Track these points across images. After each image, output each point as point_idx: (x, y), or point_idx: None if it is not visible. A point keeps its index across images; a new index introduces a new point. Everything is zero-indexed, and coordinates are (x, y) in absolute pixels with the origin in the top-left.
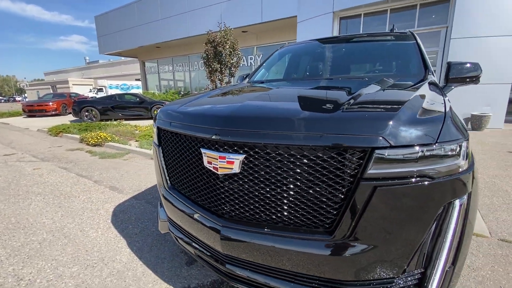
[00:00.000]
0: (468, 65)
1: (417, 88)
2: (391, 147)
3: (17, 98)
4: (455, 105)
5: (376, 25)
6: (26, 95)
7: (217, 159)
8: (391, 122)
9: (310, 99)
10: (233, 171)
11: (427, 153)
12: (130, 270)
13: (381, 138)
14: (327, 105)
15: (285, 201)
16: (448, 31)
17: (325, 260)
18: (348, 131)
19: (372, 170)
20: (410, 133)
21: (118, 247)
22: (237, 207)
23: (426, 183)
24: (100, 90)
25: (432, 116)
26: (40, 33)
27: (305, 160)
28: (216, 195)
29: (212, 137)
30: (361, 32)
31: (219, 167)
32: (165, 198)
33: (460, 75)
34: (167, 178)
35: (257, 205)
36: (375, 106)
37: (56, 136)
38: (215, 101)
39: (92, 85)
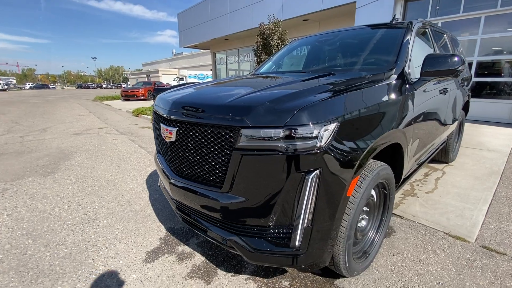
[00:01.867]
0: (445, 57)
1: (342, 83)
2: (251, 127)
3: (123, 85)
4: None
5: (448, 6)
6: (129, 82)
7: (166, 131)
8: (251, 109)
9: (235, 88)
10: (172, 139)
11: (277, 133)
12: (142, 211)
13: (244, 120)
14: (234, 94)
15: (199, 162)
16: None
17: (219, 206)
18: (229, 115)
19: (240, 143)
20: (264, 117)
21: (142, 196)
22: (177, 164)
23: (276, 155)
24: (181, 79)
25: (288, 105)
26: (142, 29)
27: (208, 134)
28: (168, 156)
29: (164, 115)
30: (428, 16)
31: (166, 136)
32: (155, 160)
33: (435, 68)
34: (155, 145)
35: (185, 163)
36: (256, 96)
37: (137, 116)
38: (188, 90)
39: (176, 74)
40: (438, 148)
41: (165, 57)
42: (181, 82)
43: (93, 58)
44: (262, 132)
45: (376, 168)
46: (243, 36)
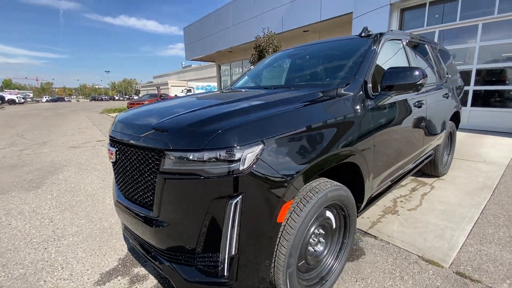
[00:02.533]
0: (405, 71)
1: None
2: (173, 150)
3: (134, 97)
4: None
5: (445, 13)
6: (140, 94)
7: (108, 151)
8: (173, 131)
9: (179, 107)
10: (113, 160)
11: (197, 156)
12: (110, 229)
13: (166, 142)
14: (169, 114)
15: (134, 184)
16: None
17: (151, 230)
18: (154, 137)
19: (165, 166)
20: (186, 140)
21: (115, 213)
22: (120, 184)
23: (198, 180)
24: (189, 90)
25: (210, 126)
26: (155, 43)
27: (138, 156)
28: (115, 175)
29: (109, 135)
30: (425, 25)
31: (109, 156)
32: None
33: (395, 82)
34: None
35: (125, 184)
36: (183, 118)
37: None
38: (140, 108)
39: (185, 86)
40: (419, 163)
41: (175, 69)
42: (188, 94)
43: (106, 71)
44: (183, 155)
45: (324, 190)
46: (246, 48)
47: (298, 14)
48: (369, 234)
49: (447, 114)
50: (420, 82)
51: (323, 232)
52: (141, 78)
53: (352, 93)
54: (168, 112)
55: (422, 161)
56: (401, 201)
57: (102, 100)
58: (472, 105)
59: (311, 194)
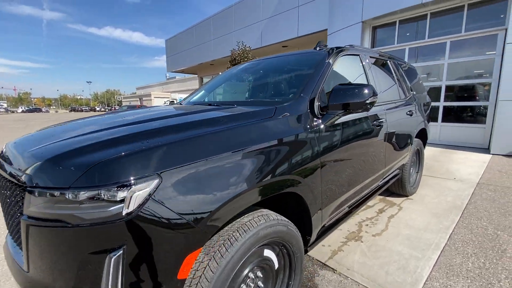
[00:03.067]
0: (353, 88)
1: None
2: (36, 187)
3: (116, 107)
4: None
5: (414, 32)
6: (123, 105)
7: None
8: (37, 164)
9: (74, 131)
10: None
11: (63, 197)
12: None
13: (30, 178)
14: (50, 141)
15: (10, 226)
16: (508, 34)
17: (21, 285)
18: (21, 169)
19: (29, 208)
20: (51, 176)
21: None
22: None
23: (67, 228)
24: (172, 102)
25: (79, 158)
26: (140, 55)
27: (9, 191)
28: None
29: None
30: (395, 42)
31: None
32: None
33: (342, 100)
34: None
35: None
36: (53, 147)
37: None
38: (42, 131)
39: (168, 98)
40: (383, 184)
41: (159, 81)
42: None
43: (88, 82)
44: (47, 195)
45: (256, 227)
46: (227, 61)
47: (276, 29)
48: (327, 266)
49: (412, 131)
50: (370, 100)
51: (262, 276)
52: (124, 89)
53: (294, 112)
54: (50, 137)
55: (388, 181)
56: (367, 225)
57: (82, 111)
58: (443, 120)
59: (237, 234)
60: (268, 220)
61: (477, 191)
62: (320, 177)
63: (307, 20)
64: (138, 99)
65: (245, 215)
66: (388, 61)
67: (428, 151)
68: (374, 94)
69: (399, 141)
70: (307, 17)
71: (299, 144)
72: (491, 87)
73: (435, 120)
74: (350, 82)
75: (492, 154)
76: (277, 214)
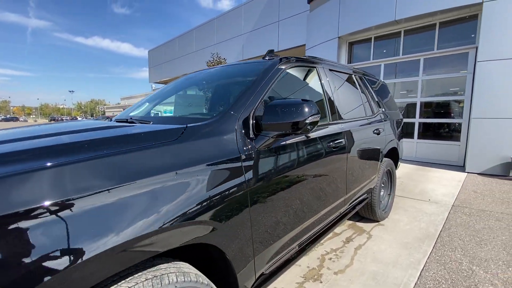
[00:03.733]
0: (289, 105)
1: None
2: None
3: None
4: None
5: (389, 49)
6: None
7: None
8: None
9: None
10: None
11: None
12: None
13: None
14: None
15: None
16: (479, 52)
17: None
18: None
19: None
20: None
21: None
22: None
23: None
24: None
25: None
26: (128, 65)
27: None
28: None
29: None
30: (371, 58)
31: None
32: None
33: (276, 120)
34: None
35: None
36: None
37: None
38: None
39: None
40: (347, 211)
41: (145, 91)
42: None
43: (70, 91)
44: None
45: None
46: None
47: (257, 43)
48: None
49: (380, 152)
50: (311, 120)
51: None
52: (110, 100)
53: (214, 134)
54: None
55: (354, 207)
56: (330, 259)
57: (62, 120)
58: (419, 137)
59: None
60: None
61: (452, 216)
62: (250, 217)
63: (287, 34)
64: (122, 109)
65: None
66: (354, 76)
67: (404, 168)
68: (315, 112)
69: (364, 163)
70: (287, 32)
71: (216, 175)
72: (464, 105)
73: (411, 136)
74: (306, 97)
75: (467, 172)
76: (192, 268)
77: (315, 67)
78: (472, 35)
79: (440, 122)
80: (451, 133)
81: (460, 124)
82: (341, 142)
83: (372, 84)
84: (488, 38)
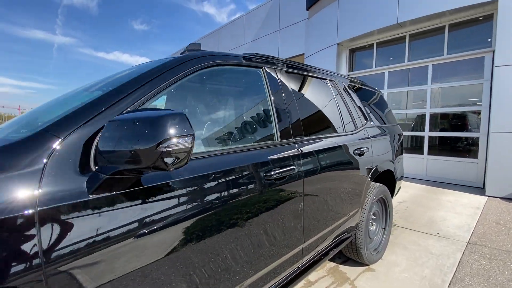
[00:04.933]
0: (138, 120)
1: None
2: None
3: None
4: None
5: (393, 55)
6: None
7: None
8: None
9: None
10: None
11: None
12: None
13: None
14: None
15: None
16: (496, 56)
17: None
18: None
19: None
20: None
21: None
22: None
23: None
24: None
25: None
26: None
27: None
28: None
29: None
30: (374, 66)
31: None
32: None
33: (114, 146)
34: None
35: None
36: None
37: None
38: None
39: None
40: (315, 260)
41: None
42: None
43: None
44: None
45: None
46: None
47: (258, 52)
48: None
49: (363, 178)
50: (173, 148)
51: None
52: None
53: (12, 168)
54: None
55: (325, 253)
56: None
57: None
58: (430, 152)
59: None
60: None
61: (466, 259)
62: None
63: (287, 43)
64: None
65: None
66: (330, 82)
67: (411, 188)
68: (183, 133)
69: (336, 195)
70: (287, 41)
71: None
72: (481, 116)
73: (420, 151)
74: (229, 109)
75: (488, 196)
76: None
77: (261, 67)
78: (488, 38)
79: (454, 136)
80: (466, 148)
81: (477, 139)
82: (291, 170)
83: (364, 94)
84: (506, 39)
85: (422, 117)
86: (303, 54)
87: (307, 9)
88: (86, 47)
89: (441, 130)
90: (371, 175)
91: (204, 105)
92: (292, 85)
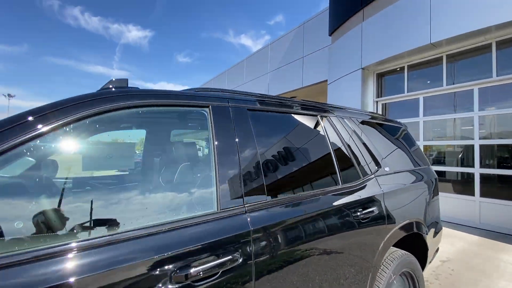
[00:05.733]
0: None
1: None
2: None
3: None
4: None
5: (429, 79)
6: None
7: None
8: None
9: None
10: None
11: None
12: None
13: None
14: None
15: None
16: None
17: None
18: None
19: None
20: None
21: None
22: None
23: None
24: None
25: None
26: None
27: None
28: None
29: None
30: (405, 91)
31: None
32: None
33: None
34: None
35: None
36: None
37: None
38: None
39: None
40: None
41: None
42: None
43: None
44: None
45: None
46: None
47: (282, 80)
48: None
49: (371, 252)
50: None
51: None
52: None
53: None
54: None
55: None
56: None
57: None
58: (483, 194)
59: None
60: None
61: None
62: None
63: (311, 70)
64: None
65: None
66: (321, 117)
67: (461, 240)
68: None
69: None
70: (311, 68)
71: None
72: None
73: (471, 192)
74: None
75: None
76: None
77: (207, 105)
78: None
79: None
80: None
81: None
82: (236, 259)
83: (380, 130)
84: None
85: (469, 148)
86: (326, 80)
87: (330, 34)
88: (137, 79)
89: (499, 167)
90: (386, 243)
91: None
92: (257, 125)
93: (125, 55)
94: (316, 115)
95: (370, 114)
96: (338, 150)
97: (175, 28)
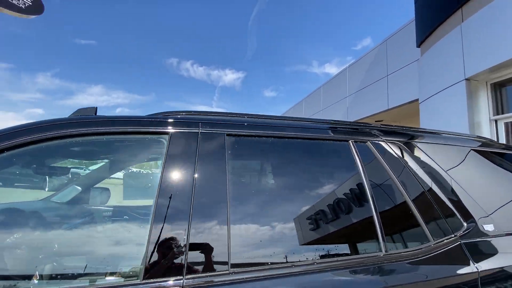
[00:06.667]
0: None
1: None
2: None
3: None
4: None
5: None
6: None
7: None
8: None
9: None
10: None
11: None
12: None
13: None
14: None
15: None
16: None
17: None
18: None
19: None
20: None
21: None
22: None
23: None
24: None
25: None
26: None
27: None
28: None
29: None
30: None
31: None
32: None
33: None
34: None
35: None
36: None
37: None
38: None
39: None
40: None
41: None
42: None
43: None
44: None
45: None
46: None
47: (362, 103)
48: None
49: None
50: None
51: None
52: None
53: None
54: None
55: None
56: None
57: None
58: None
59: None
60: None
61: None
62: None
63: (396, 89)
64: None
65: None
66: (355, 143)
67: None
68: None
69: None
70: (396, 87)
71: None
72: None
73: None
74: None
75: None
76: None
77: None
78: None
79: None
80: None
81: None
82: None
83: (481, 163)
84: None
85: None
86: (417, 100)
87: (419, 45)
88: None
89: None
90: None
91: None
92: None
93: (222, 95)
94: (347, 140)
95: (471, 137)
96: (388, 192)
97: (261, 68)
